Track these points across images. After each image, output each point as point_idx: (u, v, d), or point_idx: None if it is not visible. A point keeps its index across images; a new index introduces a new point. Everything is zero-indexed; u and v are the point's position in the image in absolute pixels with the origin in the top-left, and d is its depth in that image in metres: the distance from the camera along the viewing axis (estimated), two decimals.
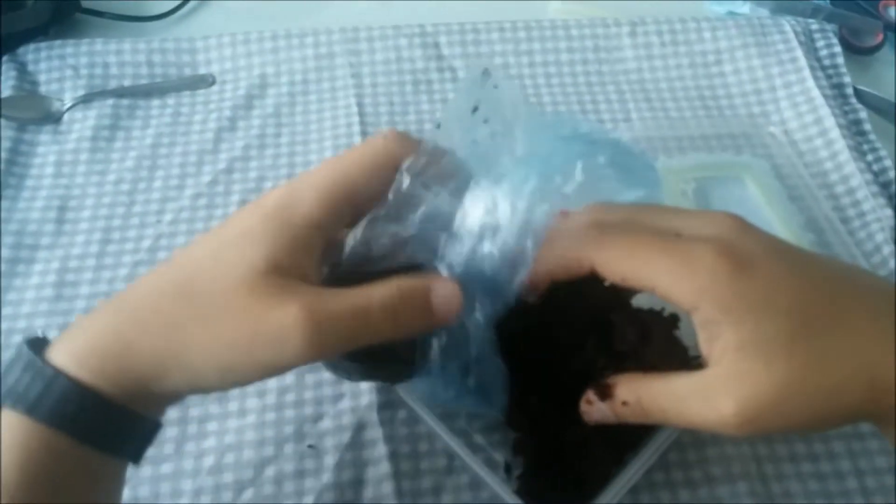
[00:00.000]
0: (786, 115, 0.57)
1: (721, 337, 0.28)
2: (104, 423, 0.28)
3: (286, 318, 0.27)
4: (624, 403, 0.31)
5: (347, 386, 0.43)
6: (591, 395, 0.33)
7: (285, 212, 0.29)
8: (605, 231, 0.31)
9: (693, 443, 0.41)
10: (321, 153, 0.54)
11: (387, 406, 0.43)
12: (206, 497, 0.39)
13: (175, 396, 0.31)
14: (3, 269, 0.47)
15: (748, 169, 0.53)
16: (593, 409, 0.33)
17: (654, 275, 0.29)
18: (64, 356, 0.27)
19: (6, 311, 0.45)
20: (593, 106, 0.57)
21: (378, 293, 0.28)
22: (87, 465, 0.28)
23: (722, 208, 0.51)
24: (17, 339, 0.44)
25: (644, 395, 0.31)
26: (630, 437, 0.38)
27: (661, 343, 0.34)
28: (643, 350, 0.33)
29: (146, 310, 0.28)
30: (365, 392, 0.43)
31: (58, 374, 0.27)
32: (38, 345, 0.28)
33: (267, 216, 0.29)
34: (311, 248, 0.29)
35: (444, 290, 0.29)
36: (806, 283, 0.29)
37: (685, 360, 0.33)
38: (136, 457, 0.30)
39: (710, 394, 0.28)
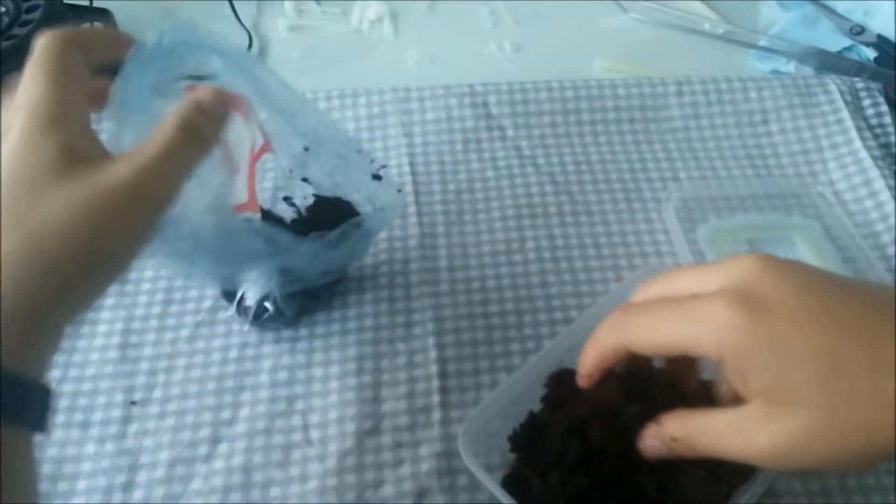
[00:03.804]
0: (834, 176, 0.57)
1: (747, 380, 0.29)
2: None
3: (118, 175, 0.29)
4: (674, 439, 0.33)
5: (407, 452, 0.43)
6: (647, 431, 0.34)
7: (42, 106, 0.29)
8: (630, 314, 0.34)
9: None
10: None
11: (447, 472, 0.43)
12: None
13: (47, 332, 0.28)
14: (69, 331, 0.48)
15: (799, 230, 0.54)
16: (649, 445, 0.35)
17: (679, 340, 0.31)
18: None
19: (72, 372, 0.46)
20: (641, 164, 0.58)
21: (169, 121, 0.32)
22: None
23: None
24: (84, 401, 0.45)
25: (691, 430, 0.32)
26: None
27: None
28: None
29: None
30: (425, 458, 0.43)
31: None
32: None
33: (31, 122, 0.29)
34: (83, 113, 0.31)
35: (206, 98, 0.33)
36: (834, 323, 0.29)
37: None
38: (37, 424, 0.28)
39: (746, 430, 0.30)
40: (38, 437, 0.28)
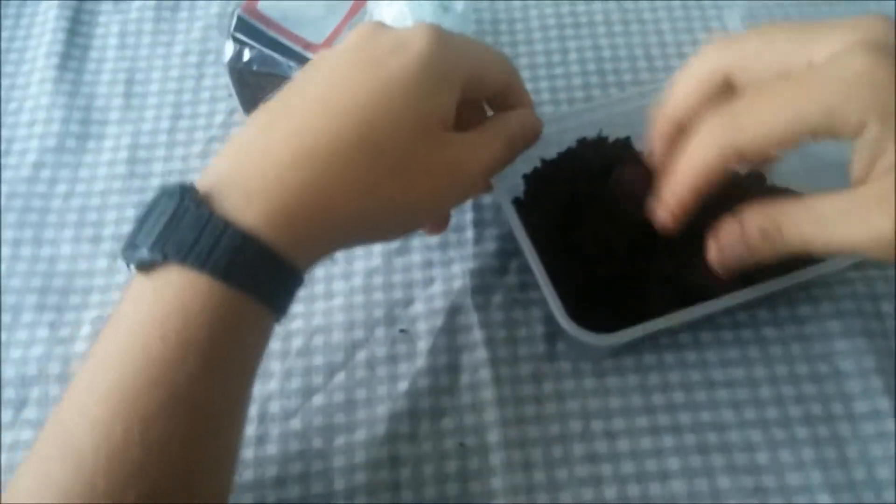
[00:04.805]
0: None
1: (885, 153, 0.25)
2: (281, 283, 0.27)
3: (471, 162, 0.31)
4: (762, 233, 0.27)
5: (439, 270, 0.41)
6: (724, 229, 0.29)
7: (444, 67, 0.30)
8: (737, 106, 0.27)
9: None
10: None
11: (481, 290, 0.40)
12: (296, 379, 0.37)
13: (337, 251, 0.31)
14: (73, 145, 0.44)
15: None
16: (725, 246, 0.29)
17: (812, 115, 0.25)
18: (257, 218, 0.26)
19: (80, 188, 0.43)
20: None
21: (500, 136, 0.33)
22: (262, 325, 0.28)
23: None
24: (93, 216, 0.42)
25: (783, 220, 0.27)
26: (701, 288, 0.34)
27: None
28: None
29: (340, 166, 0.27)
30: (458, 276, 0.40)
31: (249, 238, 0.26)
32: (188, 192, 0.26)
33: (431, 70, 0.29)
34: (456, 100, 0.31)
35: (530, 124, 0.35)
36: None
37: None
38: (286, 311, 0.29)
39: (863, 212, 0.25)
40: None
